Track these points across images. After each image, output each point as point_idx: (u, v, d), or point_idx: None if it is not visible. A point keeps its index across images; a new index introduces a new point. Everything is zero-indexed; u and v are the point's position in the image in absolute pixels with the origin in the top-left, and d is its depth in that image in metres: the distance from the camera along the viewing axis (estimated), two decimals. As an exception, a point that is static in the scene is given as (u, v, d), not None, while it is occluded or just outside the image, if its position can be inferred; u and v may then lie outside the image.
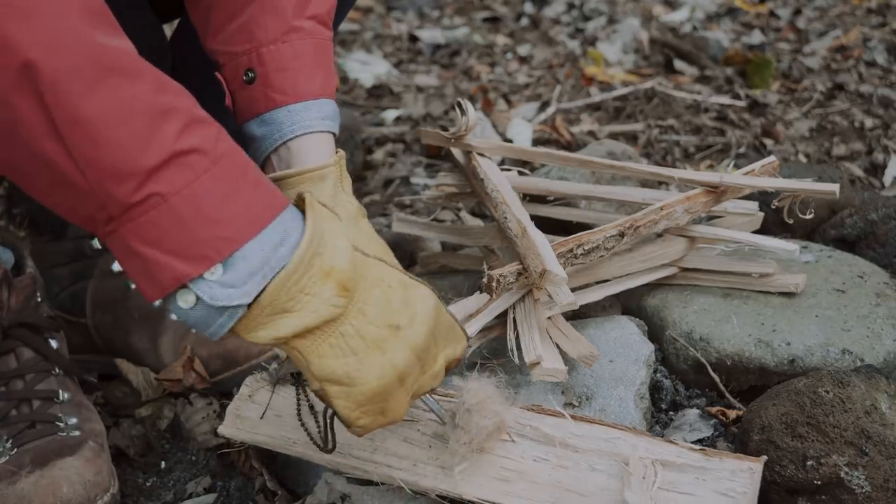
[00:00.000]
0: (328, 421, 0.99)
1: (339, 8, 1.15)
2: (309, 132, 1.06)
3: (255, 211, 0.79)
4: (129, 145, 0.74)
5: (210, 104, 1.11)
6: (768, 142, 2.19)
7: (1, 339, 1.19)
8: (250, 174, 0.81)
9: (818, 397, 1.05)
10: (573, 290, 1.23)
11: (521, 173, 1.49)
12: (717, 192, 1.31)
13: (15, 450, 1.12)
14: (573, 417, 1.04)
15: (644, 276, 1.34)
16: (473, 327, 1.15)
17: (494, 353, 1.24)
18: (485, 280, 1.15)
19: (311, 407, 1.05)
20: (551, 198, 1.47)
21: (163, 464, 1.27)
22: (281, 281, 0.79)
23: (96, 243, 1.40)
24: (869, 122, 2.22)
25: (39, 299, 1.26)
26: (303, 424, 1.05)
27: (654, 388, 1.26)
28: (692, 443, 1.13)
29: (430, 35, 3.30)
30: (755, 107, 2.40)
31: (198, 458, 1.28)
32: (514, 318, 1.19)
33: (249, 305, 0.80)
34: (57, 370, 1.22)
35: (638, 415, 1.16)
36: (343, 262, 0.83)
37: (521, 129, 2.32)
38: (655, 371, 1.27)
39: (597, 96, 2.52)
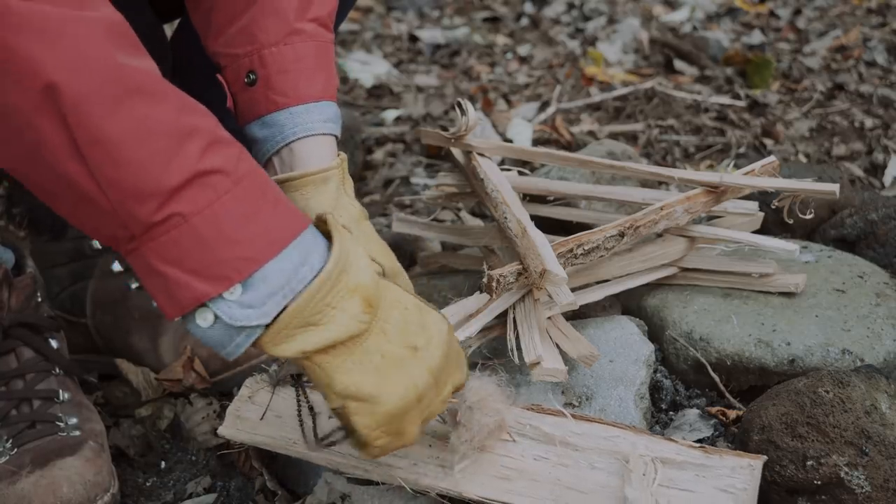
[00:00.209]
0: (316, 433, 0.99)
1: (338, 9, 1.15)
2: (311, 135, 1.06)
3: (275, 231, 0.80)
4: (151, 165, 0.74)
5: (213, 105, 1.11)
6: (768, 142, 2.19)
7: (1, 338, 1.19)
8: (271, 194, 0.81)
9: (818, 397, 1.05)
10: (573, 290, 1.23)
11: (521, 173, 1.49)
12: (717, 192, 1.31)
13: (15, 450, 1.12)
14: (573, 416, 1.04)
15: (644, 276, 1.34)
16: (473, 327, 1.16)
17: (494, 353, 1.24)
18: (485, 280, 1.15)
19: (311, 408, 1.05)
20: (551, 198, 1.47)
21: (163, 464, 1.27)
22: (309, 295, 0.80)
23: (96, 243, 1.40)
24: (869, 122, 2.22)
25: (40, 299, 1.26)
26: (301, 424, 1.05)
27: (654, 388, 1.26)
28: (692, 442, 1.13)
29: (430, 35, 3.30)
30: (755, 107, 2.40)
31: (198, 458, 1.28)
32: (514, 318, 1.19)
33: (269, 325, 0.80)
34: (57, 370, 1.22)
35: (638, 415, 1.16)
36: (368, 280, 0.84)
37: (521, 129, 2.32)
38: (655, 371, 1.27)
39: (597, 96, 2.52)
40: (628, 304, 1.39)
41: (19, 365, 1.19)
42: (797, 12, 3.20)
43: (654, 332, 1.33)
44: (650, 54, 2.87)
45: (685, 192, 1.31)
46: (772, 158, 1.37)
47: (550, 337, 1.18)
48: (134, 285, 1.39)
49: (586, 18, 3.39)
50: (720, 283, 1.34)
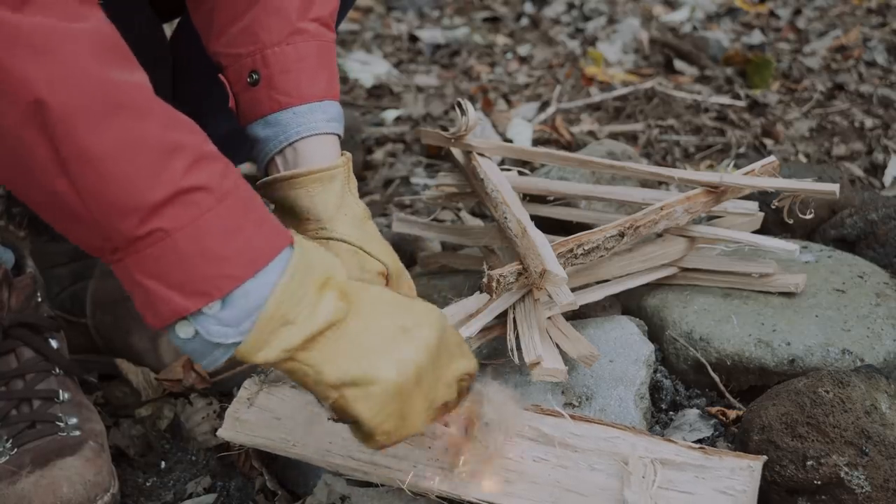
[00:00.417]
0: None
1: (339, 8, 1.15)
2: (314, 134, 1.06)
3: (257, 249, 0.80)
4: (135, 181, 0.75)
5: (215, 105, 1.12)
6: (768, 142, 2.19)
7: (1, 338, 1.19)
8: (255, 211, 0.81)
9: (818, 397, 1.05)
10: (573, 290, 1.23)
11: (521, 173, 1.49)
12: (717, 192, 1.31)
13: (15, 450, 1.12)
14: (572, 417, 1.04)
15: (644, 276, 1.34)
16: (473, 327, 1.15)
17: (494, 353, 1.24)
18: (485, 280, 1.15)
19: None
20: (551, 198, 1.47)
21: (163, 464, 1.27)
22: (279, 293, 0.79)
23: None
24: (869, 122, 2.22)
25: (40, 299, 1.26)
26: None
27: (654, 388, 1.26)
28: (692, 443, 1.13)
29: (430, 35, 3.30)
30: (755, 107, 2.40)
31: (198, 458, 1.28)
32: (514, 318, 1.19)
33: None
34: (57, 370, 1.22)
35: (638, 415, 1.16)
36: (337, 273, 0.84)
37: (521, 129, 2.32)
38: (655, 371, 1.27)
39: (597, 96, 2.52)
40: (628, 304, 1.39)
41: (19, 365, 1.19)
42: (797, 12, 3.20)
43: (654, 332, 1.33)
44: (650, 54, 2.87)
45: (685, 192, 1.31)
46: (772, 158, 1.37)
47: (550, 337, 1.17)
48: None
49: (586, 18, 3.39)
50: (720, 283, 1.34)
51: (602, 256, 1.24)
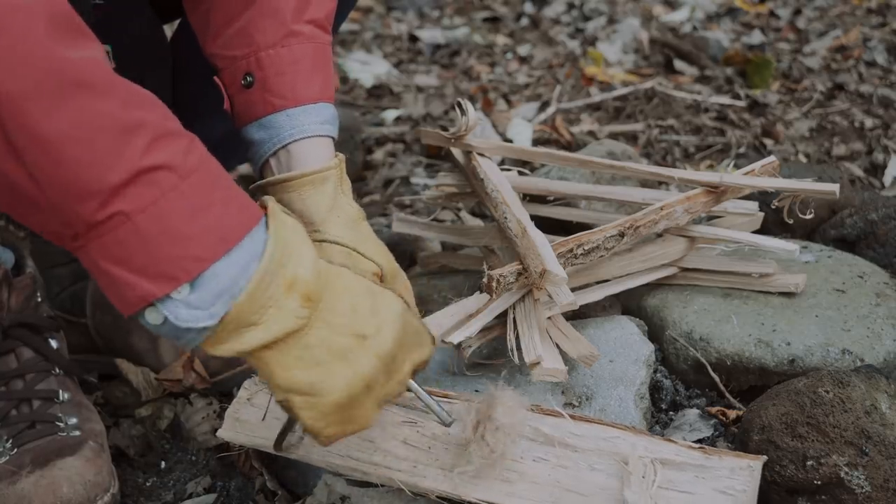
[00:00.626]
0: (283, 431, 0.99)
1: (338, 10, 1.15)
2: (308, 136, 1.06)
3: (225, 228, 0.77)
4: (93, 164, 0.72)
5: (213, 107, 1.12)
6: (768, 142, 2.19)
7: (1, 338, 1.19)
8: (222, 189, 0.79)
9: (818, 397, 1.05)
10: (573, 290, 1.23)
11: (521, 173, 1.49)
12: (717, 192, 1.31)
13: (15, 450, 1.12)
14: (572, 417, 1.04)
15: (644, 276, 1.34)
16: (473, 327, 1.15)
17: (494, 353, 1.24)
18: (485, 280, 1.15)
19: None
20: (551, 198, 1.47)
21: (163, 464, 1.27)
22: (248, 294, 0.78)
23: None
24: (869, 122, 2.22)
25: (39, 299, 1.26)
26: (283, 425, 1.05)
27: (654, 388, 1.26)
28: (692, 443, 1.13)
29: (430, 35, 3.30)
30: (755, 107, 2.40)
31: (198, 458, 1.28)
32: (514, 318, 1.19)
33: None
34: (57, 370, 1.22)
35: (638, 415, 1.16)
36: (307, 273, 0.82)
37: (521, 129, 2.32)
38: (655, 371, 1.27)
39: (597, 96, 2.52)
40: (628, 304, 1.39)
41: (19, 365, 1.19)
42: (797, 12, 3.20)
43: (654, 332, 1.33)
44: (650, 54, 2.87)
45: (685, 192, 1.31)
46: (772, 158, 1.37)
47: (550, 337, 1.17)
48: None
49: (586, 18, 3.39)
50: (720, 283, 1.34)
51: (602, 256, 1.24)
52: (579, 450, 1.00)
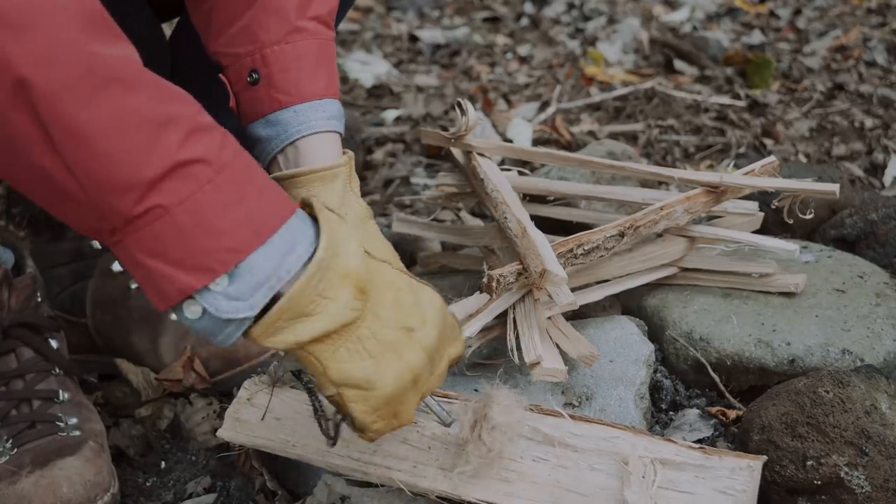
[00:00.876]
0: (337, 425, 0.98)
1: (338, 8, 1.15)
2: (315, 132, 1.06)
3: (260, 220, 0.78)
4: (129, 157, 0.73)
5: (215, 106, 1.11)
6: (768, 142, 2.19)
7: (1, 338, 1.19)
8: (256, 181, 0.80)
9: (818, 397, 1.05)
10: (573, 290, 1.23)
11: (521, 173, 1.49)
12: (717, 192, 1.31)
13: (15, 450, 1.12)
14: (572, 417, 1.04)
15: (644, 276, 1.34)
16: (473, 327, 1.15)
17: (494, 353, 1.24)
18: (485, 280, 1.15)
19: (318, 409, 1.03)
20: (551, 198, 1.47)
21: (163, 464, 1.27)
22: (301, 285, 0.78)
23: (96, 243, 1.40)
24: (869, 122, 2.22)
25: (39, 299, 1.26)
26: (320, 424, 1.02)
27: (654, 388, 1.26)
28: (692, 443, 1.13)
29: (430, 35, 3.30)
30: (755, 107, 2.40)
31: (198, 458, 1.28)
32: (514, 318, 1.19)
33: (259, 316, 0.79)
34: (57, 370, 1.22)
35: (638, 415, 1.16)
36: (358, 265, 0.83)
37: (521, 129, 2.32)
38: (655, 371, 1.27)
39: (597, 96, 2.52)
40: (628, 304, 1.39)
41: (19, 365, 1.19)
42: (797, 12, 3.20)
43: (654, 332, 1.33)
44: (650, 54, 2.87)
45: (685, 192, 1.31)
46: (772, 158, 1.37)
47: (550, 337, 1.17)
48: (134, 285, 1.39)
49: (586, 18, 3.39)
50: (720, 283, 1.34)
51: (602, 256, 1.24)
52: (579, 450, 1.00)
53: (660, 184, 1.61)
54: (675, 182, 1.35)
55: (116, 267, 1.39)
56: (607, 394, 1.17)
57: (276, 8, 1.05)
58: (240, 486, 1.20)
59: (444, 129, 1.61)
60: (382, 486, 1.04)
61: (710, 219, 1.45)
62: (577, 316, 1.32)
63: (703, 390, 1.28)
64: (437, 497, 1.00)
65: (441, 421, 1.01)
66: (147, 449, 1.30)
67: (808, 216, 1.33)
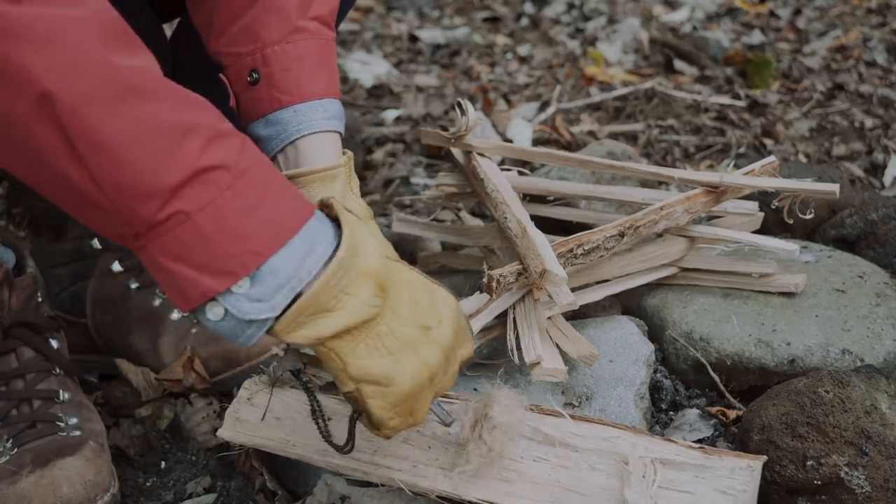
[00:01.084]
0: (352, 423, 0.98)
1: (338, 8, 1.15)
2: (315, 132, 1.06)
3: (279, 223, 0.80)
4: (151, 165, 0.75)
5: (216, 105, 1.12)
6: (768, 142, 2.19)
7: (1, 338, 1.19)
8: (275, 185, 0.81)
9: (818, 397, 1.05)
10: (573, 290, 1.23)
11: (521, 173, 1.49)
12: (717, 192, 1.31)
13: (15, 449, 1.12)
14: (572, 417, 1.04)
15: (644, 276, 1.34)
16: (473, 327, 1.15)
17: (494, 353, 1.24)
18: (485, 280, 1.15)
19: (320, 410, 1.02)
20: (551, 198, 1.47)
21: (163, 464, 1.28)
22: (323, 282, 0.80)
23: (96, 243, 1.40)
24: (869, 122, 2.22)
25: (40, 299, 1.26)
26: (317, 424, 1.02)
27: (654, 388, 1.26)
28: (692, 443, 1.13)
29: (430, 35, 3.30)
30: (755, 107, 2.40)
31: (198, 458, 1.28)
32: (514, 318, 1.19)
33: (281, 314, 0.80)
34: (57, 370, 1.22)
35: (638, 415, 1.16)
36: (378, 264, 0.84)
37: (521, 129, 2.32)
38: (655, 371, 1.27)
39: (597, 96, 2.52)
40: (628, 304, 1.39)
41: (19, 365, 1.19)
42: (797, 12, 3.19)
43: (654, 332, 1.33)
44: (650, 54, 2.87)
45: (685, 192, 1.31)
46: (772, 158, 1.37)
47: (550, 337, 1.18)
48: (133, 285, 1.39)
49: (586, 18, 3.39)
50: (720, 283, 1.34)
51: (602, 256, 1.24)
52: (579, 450, 1.00)
53: (660, 184, 1.61)
54: (675, 182, 1.35)
55: (116, 267, 1.39)
56: (607, 394, 1.17)
57: (277, 8, 1.05)
58: (240, 486, 1.20)
59: (444, 129, 1.61)
60: (383, 485, 1.04)
61: (710, 219, 1.45)
62: (577, 316, 1.32)
63: (703, 390, 1.28)
64: (438, 497, 1.00)
65: (441, 421, 1.01)
66: (147, 449, 1.30)
67: (808, 216, 1.33)
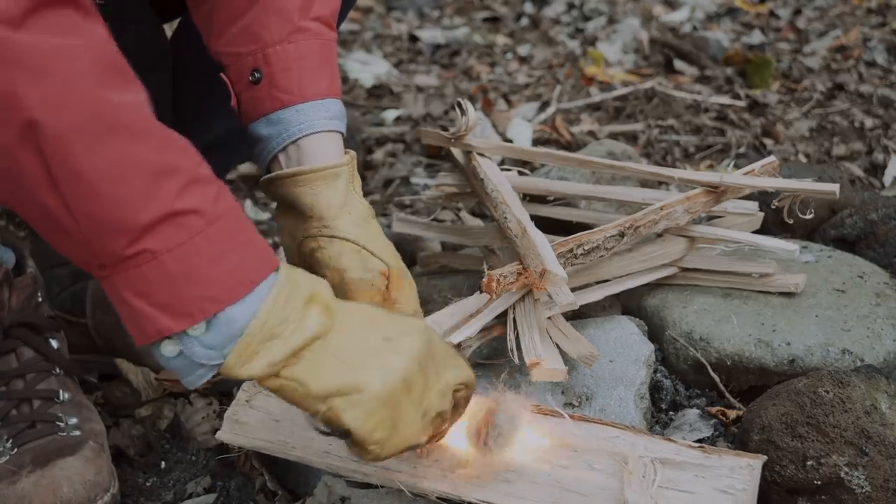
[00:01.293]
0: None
1: (340, 8, 1.15)
2: (317, 131, 1.06)
3: (242, 273, 0.80)
4: (127, 202, 0.75)
5: (216, 105, 1.12)
6: (768, 142, 2.19)
7: (2, 338, 1.19)
8: (245, 235, 0.82)
9: (818, 397, 1.05)
10: (573, 290, 1.23)
11: (521, 173, 1.49)
12: (717, 192, 1.31)
13: (15, 449, 1.12)
14: (572, 417, 1.04)
15: (644, 276, 1.34)
16: (473, 327, 1.15)
17: (494, 353, 1.24)
18: (485, 280, 1.15)
19: None
20: (551, 198, 1.47)
21: (163, 464, 1.27)
22: (263, 313, 0.80)
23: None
24: (869, 122, 2.22)
25: (40, 299, 1.26)
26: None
27: (654, 388, 1.26)
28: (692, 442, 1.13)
29: (430, 35, 3.30)
30: (755, 107, 2.40)
31: (198, 458, 1.28)
32: (514, 318, 1.19)
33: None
34: (57, 370, 1.22)
35: (638, 415, 1.16)
36: (325, 291, 0.85)
37: (521, 129, 2.32)
38: (655, 371, 1.27)
39: (597, 96, 2.52)
40: (628, 304, 1.39)
41: (19, 365, 1.19)
42: (797, 12, 3.20)
43: (654, 332, 1.33)
44: (650, 54, 2.87)
45: (685, 192, 1.31)
46: (772, 158, 1.37)
47: (550, 337, 1.17)
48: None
49: (586, 18, 3.39)
50: (720, 283, 1.34)
51: (602, 256, 1.24)
52: (579, 450, 1.00)
53: (660, 184, 1.61)
54: (675, 182, 1.35)
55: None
56: (607, 394, 1.17)
57: (278, 8, 1.05)
58: (240, 486, 1.20)
59: (444, 129, 1.61)
60: (382, 487, 1.04)
61: (710, 219, 1.45)
62: (577, 316, 1.32)
63: (703, 390, 1.28)
64: (437, 498, 1.00)
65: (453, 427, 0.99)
66: (147, 449, 1.30)
67: (808, 216, 1.33)
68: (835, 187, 1.28)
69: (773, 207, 1.36)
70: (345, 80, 2.87)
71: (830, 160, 2.08)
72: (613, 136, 2.26)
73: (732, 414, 1.22)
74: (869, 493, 0.99)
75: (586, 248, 1.21)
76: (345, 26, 3.36)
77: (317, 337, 0.83)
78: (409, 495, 1.01)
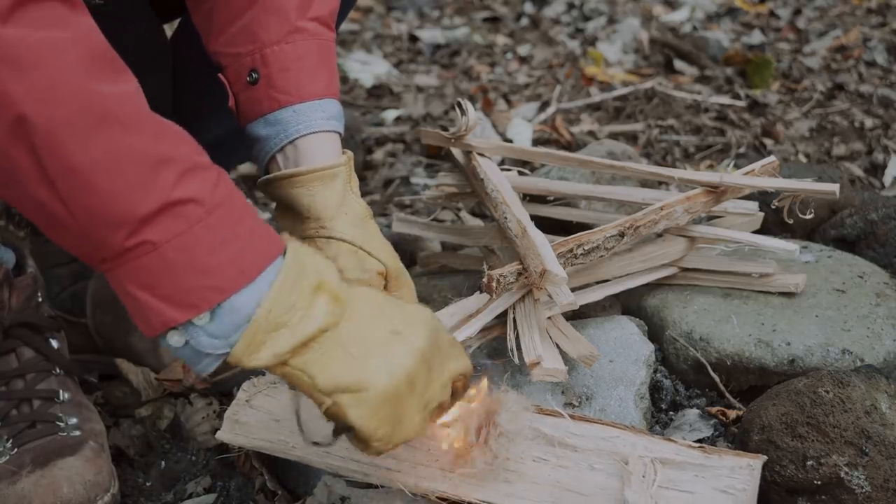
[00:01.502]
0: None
1: (339, 9, 1.15)
2: (315, 132, 1.06)
3: (246, 260, 0.79)
4: (124, 194, 0.74)
5: (215, 105, 1.12)
6: (768, 142, 2.19)
7: (2, 338, 1.19)
8: (247, 222, 0.81)
9: (818, 397, 1.05)
10: (573, 290, 1.23)
11: (521, 173, 1.49)
12: (717, 192, 1.31)
13: (15, 449, 1.12)
14: (572, 417, 1.04)
15: (644, 276, 1.34)
16: (473, 327, 1.16)
17: (494, 353, 1.24)
18: (485, 280, 1.15)
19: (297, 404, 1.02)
20: (551, 198, 1.47)
21: (163, 464, 1.27)
22: (269, 301, 0.79)
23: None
24: (869, 122, 2.22)
25: (40, 299, 1.26)
26: (298, 421, 1.02)
27: (654, 388, 1.26)
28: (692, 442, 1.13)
29: (430, 35, 3.30)
30: (755, 107, 2.40)
31: (198, 458, 1.28)
32: (514, 318, 1.19)
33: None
34: (57, 370, 1.22)
35: (638, 415, 1.16)
36: (333, 278, 0.84)
37: (521, 129, 2.32)
38: (655, 371, 1.27)
39: (597, 96, 2.52)
40: (628, 304, 1.39)
41: (20, 365, 1.19)
42: (797, 12, 3.20)
43: (654, 332, 1.33)
44: (650, 54, 2.87)
45: (685, 192, 1.31)
46: (772, 158, 1.37)
47: (550, 337, 1.18)
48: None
49: (586, 18, 3.39)
50: (720, 283, 1.34)
51: (602, 256, 1.24)
52: (579, 450, 1.00)
53: (660, 184, 1.61)
54: (675, 182, 1.35)
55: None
56: (607, 394, 1.17)
57: (276, 8, 1.05)
58: (240, 486, 1.20)
59: (444, 129, 1.61)
60: (382, 486, 1.04)
61: (710, 219, 1.45)
62: (577, 316, 1.32)
63: (703, 390, 1.28)
64: (437, 498, 1.00)
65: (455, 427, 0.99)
66: (147, 449, 1.30)
67: (808, 216, 1.33)
68: (835, 187, 1.28)
69: (773, 207, 1.36)
70: (345, 80, 2.87)
71: (830, 160, 2.08)
72: (613, 136, 2.26)
73: (732, 414, 1.22)
74: (869, 493, 0.99)
75: (586, 248, 1.21)
76: (345, 26, 3.36)
77: (325, 329, 0.82)
78: (409, 495, 1.01)
